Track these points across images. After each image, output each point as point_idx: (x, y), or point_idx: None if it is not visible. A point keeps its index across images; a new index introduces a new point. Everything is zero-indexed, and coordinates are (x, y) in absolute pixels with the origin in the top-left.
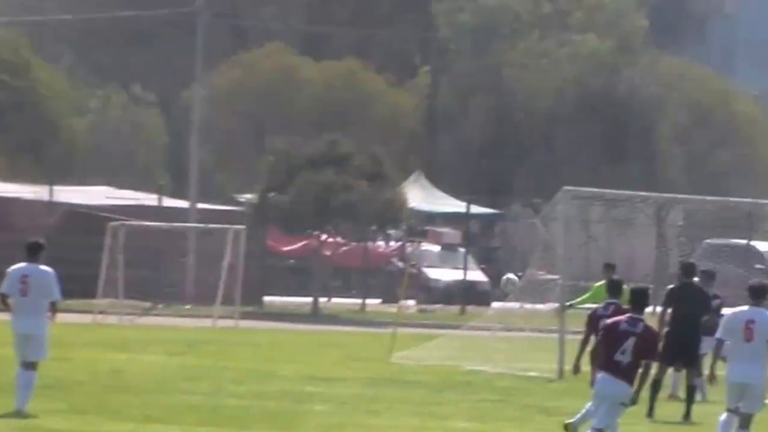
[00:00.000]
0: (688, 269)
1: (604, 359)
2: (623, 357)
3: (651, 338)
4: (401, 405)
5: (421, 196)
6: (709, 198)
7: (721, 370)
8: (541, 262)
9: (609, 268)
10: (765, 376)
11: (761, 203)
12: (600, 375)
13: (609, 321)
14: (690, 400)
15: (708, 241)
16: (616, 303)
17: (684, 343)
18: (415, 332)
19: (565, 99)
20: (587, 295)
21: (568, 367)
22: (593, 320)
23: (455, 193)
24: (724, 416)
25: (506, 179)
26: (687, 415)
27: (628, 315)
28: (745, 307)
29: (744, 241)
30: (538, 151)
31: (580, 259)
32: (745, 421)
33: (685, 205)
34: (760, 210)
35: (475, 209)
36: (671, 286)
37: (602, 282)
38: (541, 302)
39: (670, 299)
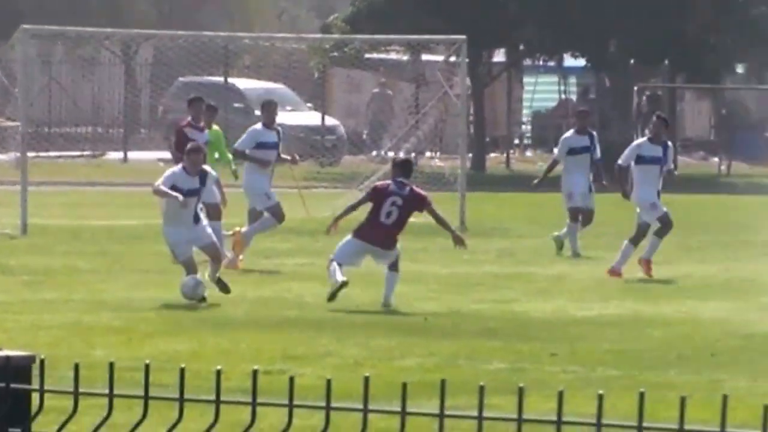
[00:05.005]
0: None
1: None
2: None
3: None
4: None
5: None
6: (180, 32)
7: None
8: None
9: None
10: None
11: (238, 36)
12: None
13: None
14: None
15: (182, 79)
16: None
17: None
18: None
19: None
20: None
21: (32, 221)
22: None
23: None
24: None
25: None
26: None
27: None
28: None
29: (221, 79)
30: None
31: (42, 103)
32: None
33: (155, 40)
34: (236, 44)
35: None
36: None
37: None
38: (1, 152)
39: None
